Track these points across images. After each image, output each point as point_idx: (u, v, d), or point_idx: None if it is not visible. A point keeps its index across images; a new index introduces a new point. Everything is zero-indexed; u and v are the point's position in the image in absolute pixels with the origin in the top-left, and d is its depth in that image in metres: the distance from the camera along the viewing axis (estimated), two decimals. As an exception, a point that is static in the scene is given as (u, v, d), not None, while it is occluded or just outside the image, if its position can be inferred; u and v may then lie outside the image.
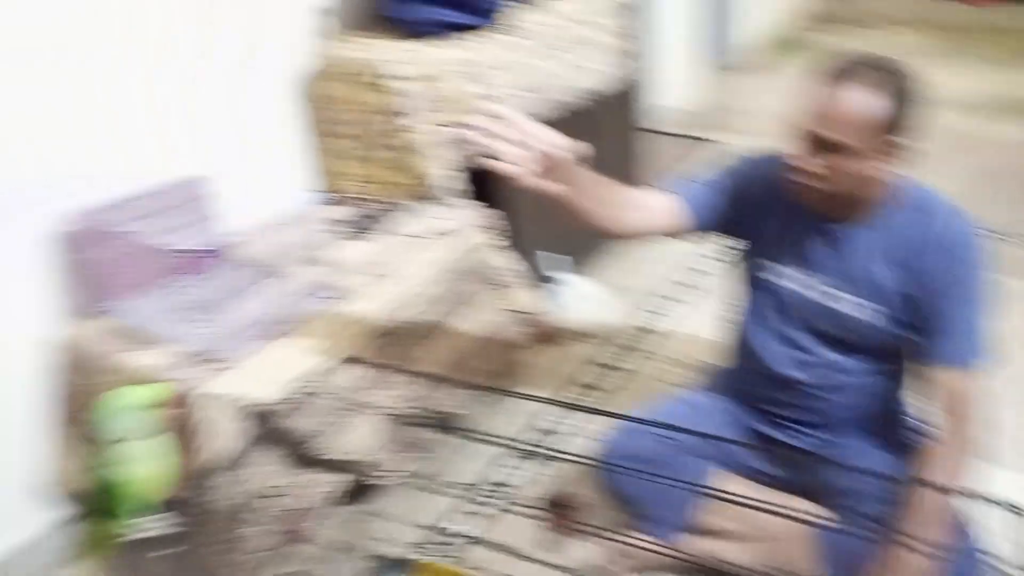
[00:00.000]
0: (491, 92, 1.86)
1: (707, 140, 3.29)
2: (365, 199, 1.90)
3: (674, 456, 1.35)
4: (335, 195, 1.94)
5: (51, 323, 1.53)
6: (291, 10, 1.84)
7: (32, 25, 1.41)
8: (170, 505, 1.30)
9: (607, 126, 2.38)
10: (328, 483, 1.45)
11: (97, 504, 1.37)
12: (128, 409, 1.28)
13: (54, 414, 1.57)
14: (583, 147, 1.09)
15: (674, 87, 3.45)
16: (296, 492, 1.41)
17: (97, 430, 1.32)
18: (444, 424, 1.44)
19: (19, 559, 1.58)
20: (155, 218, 1.54)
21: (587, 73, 2.20)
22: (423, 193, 1.84)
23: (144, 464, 1.28)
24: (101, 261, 1.50)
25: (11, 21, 1.38)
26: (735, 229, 1.36)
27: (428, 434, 1.58)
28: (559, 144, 1.06)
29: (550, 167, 1.06)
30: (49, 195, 1.46)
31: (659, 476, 1.22)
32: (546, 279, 2.21)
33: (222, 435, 1.29)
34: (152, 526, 1.31)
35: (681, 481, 1.25)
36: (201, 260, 1.60)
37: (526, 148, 1.04)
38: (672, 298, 2.31)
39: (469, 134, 1.03)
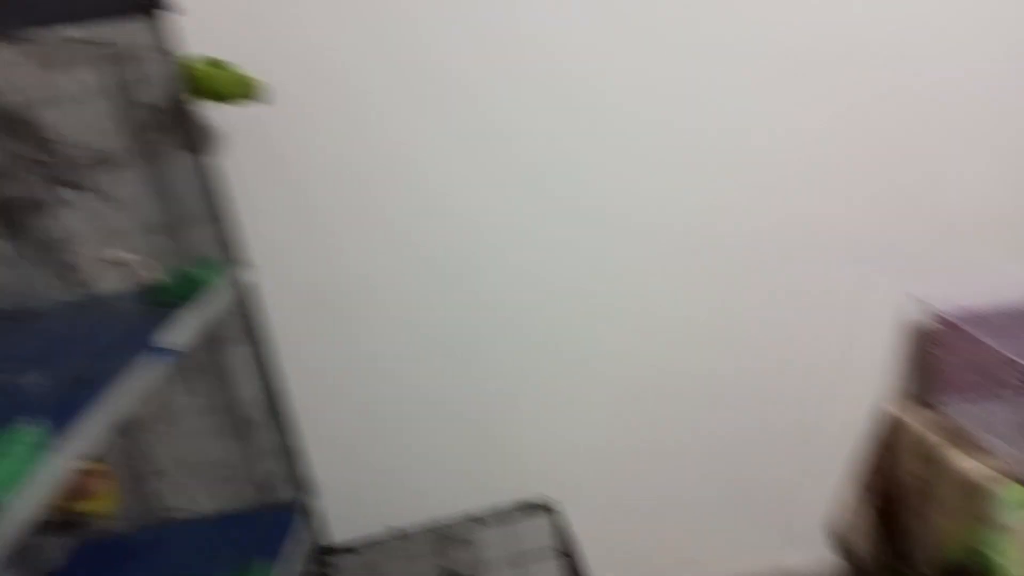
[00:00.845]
0: None
1: None
2: None
3: None
4: None
5: (882, 396, 1.73)
6: None
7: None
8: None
9: None
10: None
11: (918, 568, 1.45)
12: (1013, 504, 1.35)
13: (853, 471, 1.77)
14: None
15: None
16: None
17: (982, 513, 1.45)
18: None
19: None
20: (1007, 332, 1.58)
21: None
22: None
23: (1004, 557, 1.33)
24: (948, 359, 1.62)
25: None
26: None
27: None
28: None
29: None
30: (911, 289, 1.66)
31: None
32: None
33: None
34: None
35: None
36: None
37: None
38: None
39: None
